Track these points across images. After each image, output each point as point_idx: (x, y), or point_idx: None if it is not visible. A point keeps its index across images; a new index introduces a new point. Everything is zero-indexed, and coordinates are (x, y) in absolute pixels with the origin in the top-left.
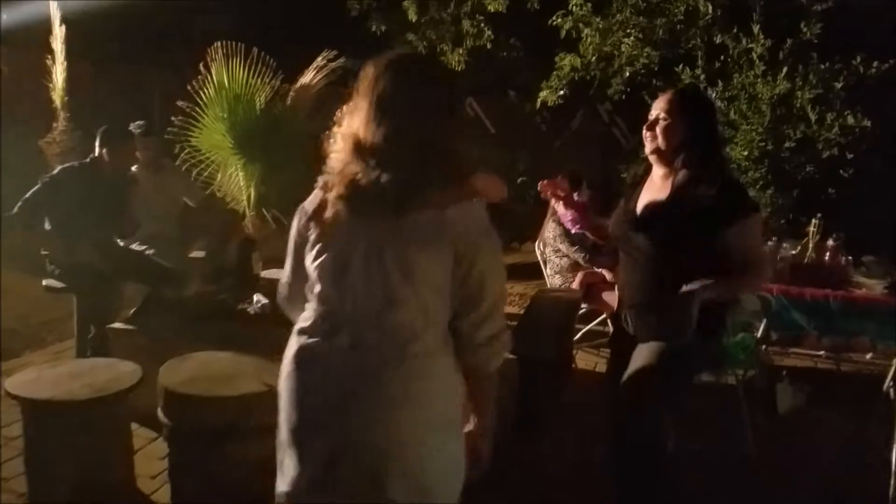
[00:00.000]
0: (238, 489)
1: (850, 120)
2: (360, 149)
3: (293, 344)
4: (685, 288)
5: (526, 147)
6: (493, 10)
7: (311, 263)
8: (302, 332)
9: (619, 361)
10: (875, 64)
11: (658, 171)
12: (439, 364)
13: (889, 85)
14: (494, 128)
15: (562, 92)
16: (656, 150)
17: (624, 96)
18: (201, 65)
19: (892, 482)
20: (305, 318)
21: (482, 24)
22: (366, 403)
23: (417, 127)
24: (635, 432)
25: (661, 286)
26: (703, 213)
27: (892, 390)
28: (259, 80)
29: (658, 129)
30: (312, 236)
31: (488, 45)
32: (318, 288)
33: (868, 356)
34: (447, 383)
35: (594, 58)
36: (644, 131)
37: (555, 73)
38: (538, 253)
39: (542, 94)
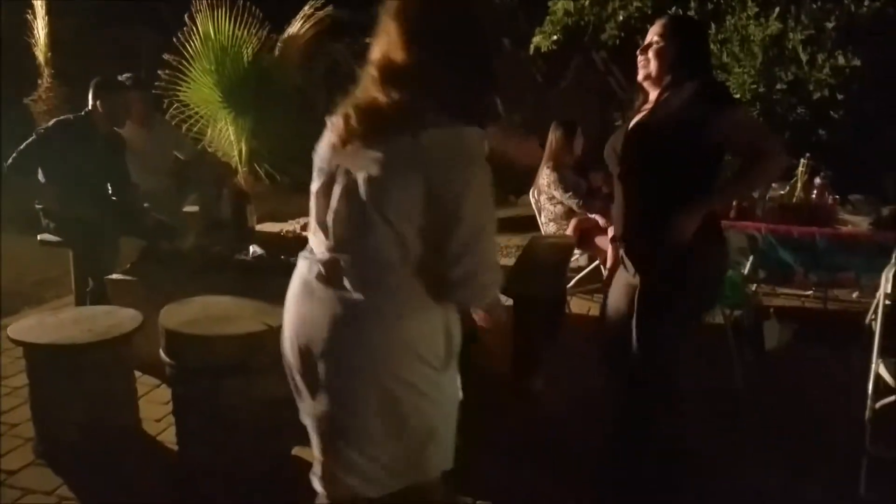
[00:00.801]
0: (242, 424)
1: (841, 60)
2: (385, 72)
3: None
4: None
5: (522, 97)
6: None
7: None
8: (300, 258)
9: (618, 303)
10: (866, 2)
11: (651, 97)
12: (416, 300)
13: (880, 24)
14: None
15: (555, 37)
16: (648, 76)
17: (618, 41)
18: (186, 16)
19: (868, 408)
20: (307, 246)
21: None
22: (332, 336)
23: (449, 51)
24: (653, 372)
25: (657, 205)
26: (690, 117)
27: (873, 323)
28: (246, 32)
29: (650, 53)
30: (314, 167)
31: None
32: (311, 216)
33: (854, 295)
34: (424, 321)
35: (587, 2)
36: (638, 56)
37: (548, 17)
38: (532, 202)
39: (536, 39)
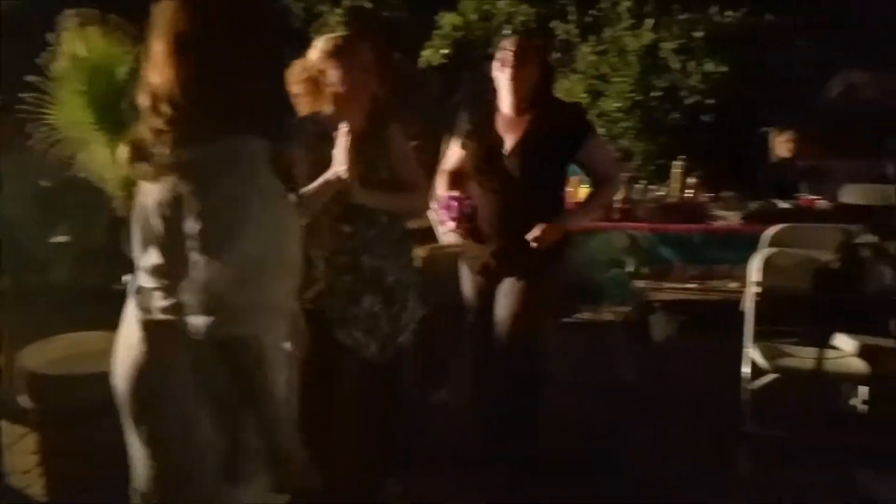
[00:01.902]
0: (121, 466)
1: (710, 67)
2: (155, 99)
3: None
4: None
5: (417, 109)
6: None
7: None
8: None
9: (486, 303)
10: (728, 13)
11: (510, 106)
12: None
13: (743, 32)
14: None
15: (445, 51)
16: (517, 89)
17: None
18: (50, 35)
19: (743, 390)
20: None
21: None
22: None
23: (219, 70)
24: (528, 366)
25: (535, 216)
26: (562, 138)
27: (745, 311)
28: (120, 49)
29: (517, 70)
30: None
31: (367, 5)
32: None
33: (731, 284)
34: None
35: (474, 16)
36: (494, 73)
37: (436, 31)
38: (429, 214)
39: (425, 52)
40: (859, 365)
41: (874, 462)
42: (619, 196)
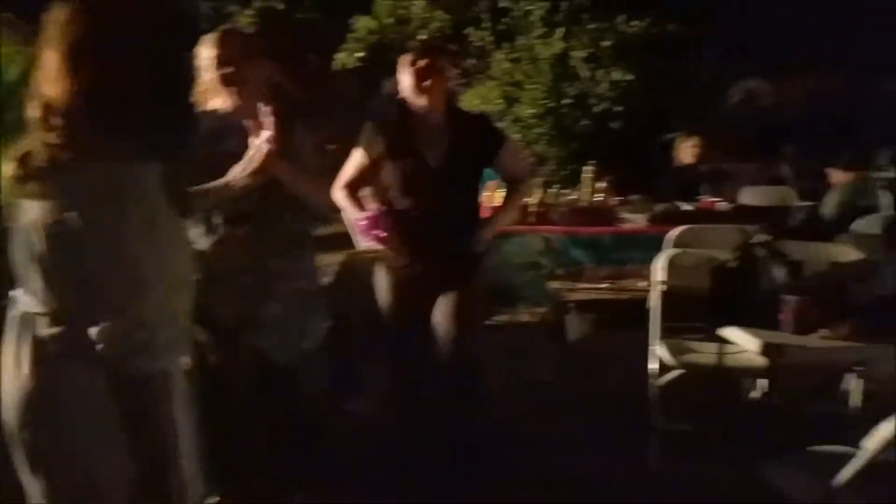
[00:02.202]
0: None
1: (617, 75)
2: (47, 111)
3: None
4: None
5: (336, 113)
6: None
7: None
8: None
9: (414, 312)
10: (633, 23)
11: (424, 117)
12: None
13: (647, 42)
14: (301, 94)
15: (360, 55)
16: (435, 100)
17: None
18: None
19: (650, 385)
20: None
21: None
22: None
23: (117, 83)
24: (467, 368)
25: (462, 221)
26: (480, 146)
27: (651, 309)
28: (10, 48)
29: (431, 81)
30: None
31: (280, 7)
32: None
33: (643, 284)
34: None
35: (390, 20)
36: (419, 82)
37: (350, 35)
38: (345, 218)
39: (340, 56)
40: (757, 359)
41: (773, 452)
42: (533, 200)
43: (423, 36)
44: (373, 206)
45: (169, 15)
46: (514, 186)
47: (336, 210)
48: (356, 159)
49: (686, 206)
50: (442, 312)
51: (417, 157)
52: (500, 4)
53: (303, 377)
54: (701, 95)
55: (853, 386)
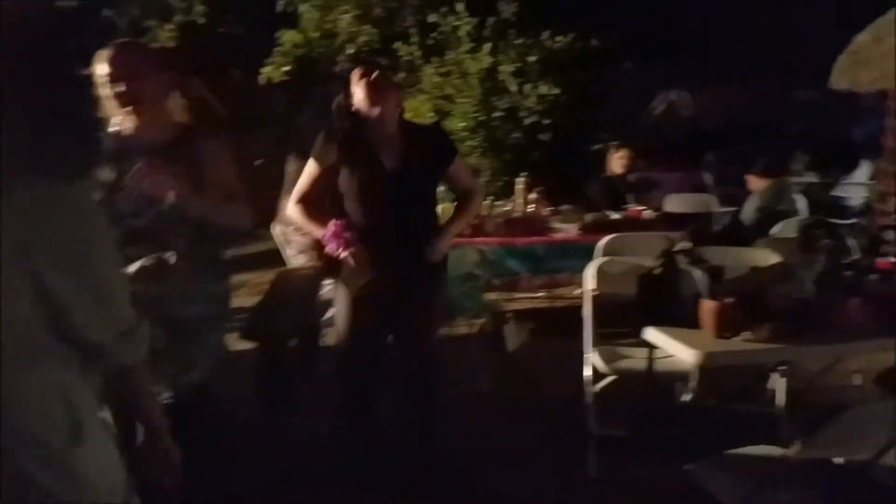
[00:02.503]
0: None
1: (544, 89)
2: None
3: None
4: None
5: (262, 128)
6: None
7: None
8: None
9: (375, 324)
10: (558, 38)
11: (377, 129)
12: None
13: (572, 56)
14: (225, 109)
15: (287, 69)
16: (388, 113)
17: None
18: None
19: (587, 394)
20: None
21: None
22: None
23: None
24: (431, 382)
25: (420, 233)
26: (433, 158)
27: (590, 313)
28: None
29: (381, 92)
30: None
31: (201, 20)
32: None
33: (578, 291)
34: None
35: (316, 34)
36: (366, 93)
37: (276, 49)
38: (275, 235)
39: (266, 70)
40: (685, 363)
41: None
42: None
43: (350, 50)
44: (331, 220)
45: (57, 30)
46: (466, 198)
47: (249, 229)
48: (309, 170)
49: (615, 215)
50: (404, 325)
51: (374, 164)
52: (429, 20)
53: (194, 410)
54: (625, 107)
55: (778, 385)
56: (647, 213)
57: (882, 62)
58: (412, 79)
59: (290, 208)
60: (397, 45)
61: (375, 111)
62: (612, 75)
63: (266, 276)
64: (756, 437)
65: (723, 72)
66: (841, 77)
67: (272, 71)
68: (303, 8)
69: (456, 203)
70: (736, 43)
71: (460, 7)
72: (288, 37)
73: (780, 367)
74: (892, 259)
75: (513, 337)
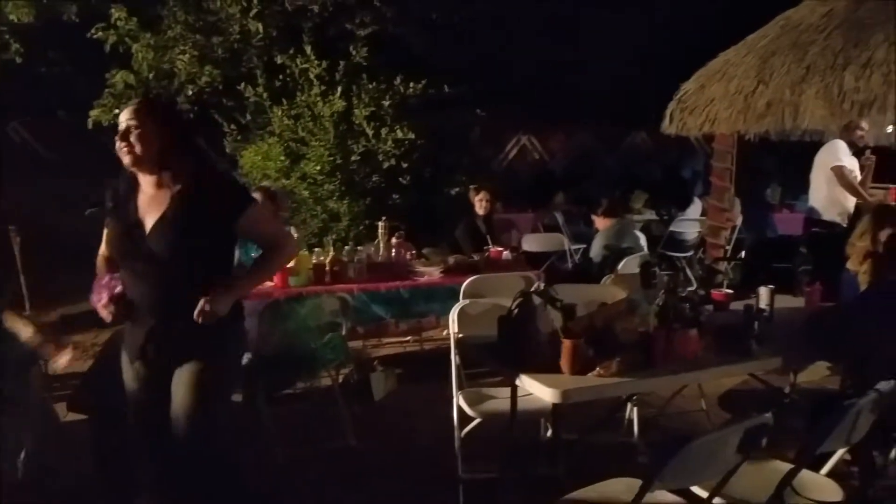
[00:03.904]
0: None
1: (400, 133)
2: None
3: None
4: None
5: (91, 174)
6: (17, 20)
7: None
8: None
9: (149, 393)
10: (412, 84)
11: (148, 181)
12: None
13: (426, 102)
14: (49, 153)
15: (118, 111)
16: (137, 161)
17: (192, 115)
18: None
19: (456, 438)
20: None
21: (6, 36)
22: None
23: None
24: (209, 458)
25: (187, 298)
26: (214, 210)
27: (456, 357)
28: None
29: (133, 139)
30: None
31: (17, 59)
32: None
33: (444, 333)
34: None
35: (151, 75)
36: (118, 143)
37: (107, 90)
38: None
39: (94, 112)
40: (543, 401)
41: (568, 487)
42: (327, 259)
43: (190, 91)
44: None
45: None
46: (266, 250)
47: None
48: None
49: (477, 257)
50: (174, 397)
51: (131, 221)
52: (277, 61)
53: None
54: (480, 151)
55: (632, 415)
56: (507, 254)
57: (707, 108)
58: (261, 121)
59: (98, 257)
60: (242, 86)
61: (125, 160)
62: (466, 121)
63: (100, 338)
64: (616, 465)
65: (569, 117)
66: (672, 122)
67: (101, 113)
68: (136, 47)
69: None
70: (579, 91)
71: (308, 49)
72: (120, 77)
73: (633, 398)
74: (726, 290)
75: (380, 385)
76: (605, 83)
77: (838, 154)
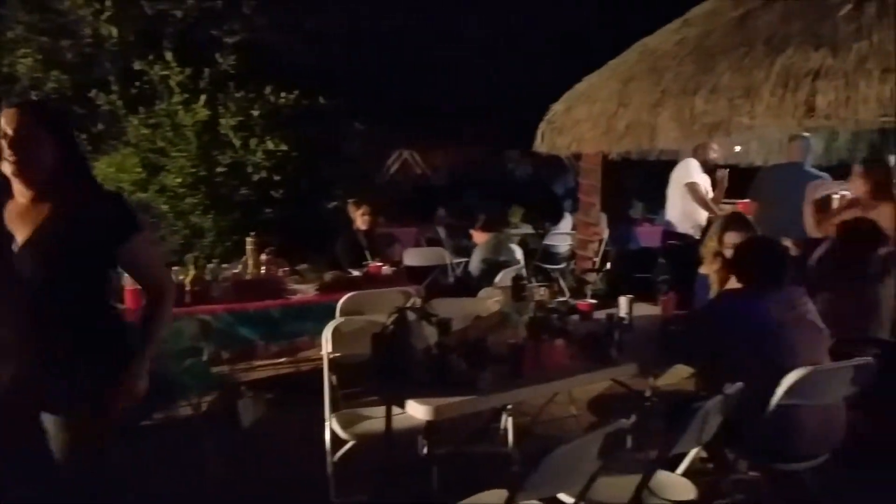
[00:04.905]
0: None
1: (271, 145)
2: None
3: None
4: None
5: None
6: None
7: None
8: None
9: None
10: (283, 94)
11: (24, 194)
12: None
13: (300, 112)
14: None
15: None
16: (21, 170)
17: None
18: None
19: (328, 463)
20: None
21: None
22: None
23: None
24: None
25: (66, 328)
26: (94, 233)
27: (333, 378)
28: None
29: (17, 147)
30: None
31: None
32: None
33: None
34: None
35: None
36: (4, 149)
37: None
38: None
39: None
40: (417, 419)
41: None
42: (188, 278)
43: (34, 97)
44: None
45: None
46: (150, 303)
47: None
48: None
49: (355, 273)
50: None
51: (2, 241)
52: (134, 67)
53: None
54: (359, 164)
55: (507, 425)
56: (387, 269)
57: (574, 129)
58: (114, 131)
59: None
60: (94, 93)
61: (7, 171)
62: (343, 133)
63: None
64: (493, 476)
65: (450, 133)
66: (542, 141)
67: None
68: None
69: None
70: (460, 108)
71: (170, 56)
72: None
73: (507, 407)
74: (590, 301)
75: (248, 411)
76: (484, 101)
77: (691, 172)
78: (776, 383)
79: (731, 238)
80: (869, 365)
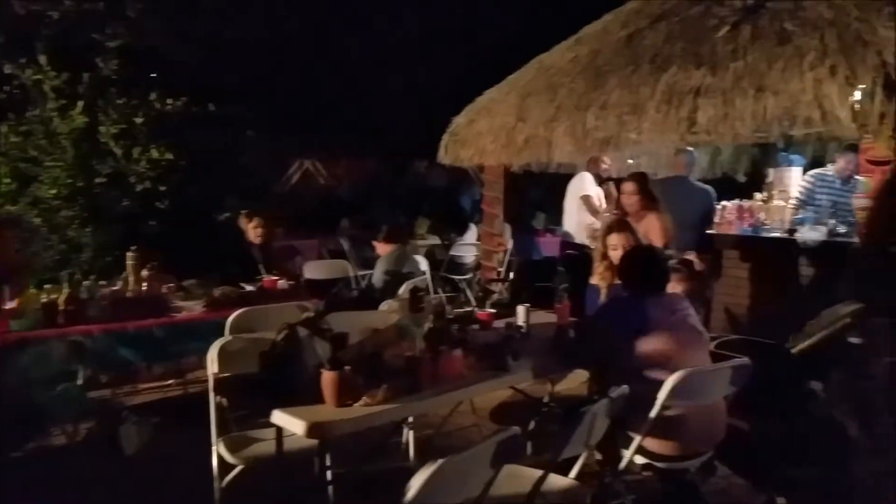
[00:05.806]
0: None
1: (155, 153)
2: None
3: None
4: None
5: None
6: None
7: None
8: None
9: None
10: (170, 100)
11: None
12: None
13: (188, 120)
14: None
15: None
16: None
17: None
18: None
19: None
20: None
21: None
22: None
23: None
24: None
25: None
26: None
27: (224, 400)
28: None
29: None
30: None
31: None
32: None
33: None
34: None
35: None
36: None
37: None
38: None
39: None
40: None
41: None
42: (61, 297)
43: None
44: None
45: None
46: None
47: None
48: None
49: (249, 288)
50: None
51: None
52: (5, 71)
53: None
54: (255, 174)
55: (409, 439)
56: (283, 283)
57: (476, 141)
58: None
59: None
60: None
61: None
62: (236, 143)
63: None
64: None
65: (353, 144)
66: (446, 153)
67: None
68: None
69: None
70: (363, 118)
71: (44, 59)
72: None
73: (407, 420)
74: (489, 310)
75: (132, 438)
76: (387, 113)
77: (585, 184)
78: (659, 384)
79: (614, 240)
80: (746, 366)
